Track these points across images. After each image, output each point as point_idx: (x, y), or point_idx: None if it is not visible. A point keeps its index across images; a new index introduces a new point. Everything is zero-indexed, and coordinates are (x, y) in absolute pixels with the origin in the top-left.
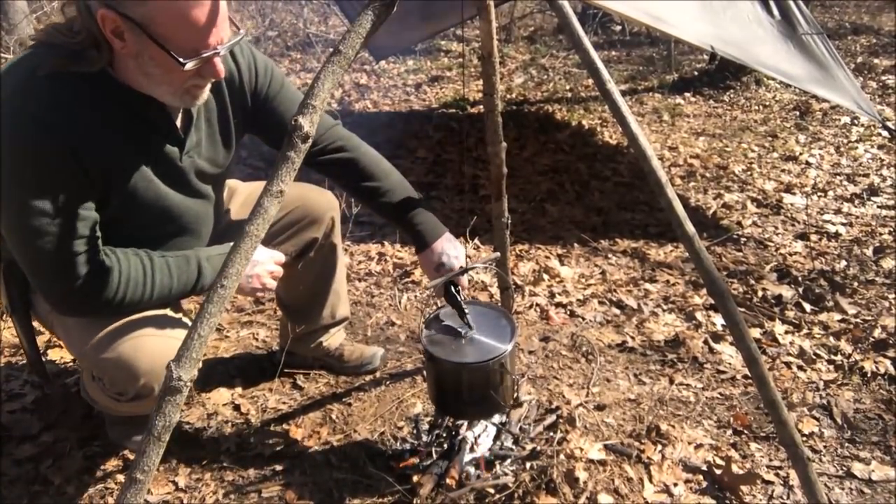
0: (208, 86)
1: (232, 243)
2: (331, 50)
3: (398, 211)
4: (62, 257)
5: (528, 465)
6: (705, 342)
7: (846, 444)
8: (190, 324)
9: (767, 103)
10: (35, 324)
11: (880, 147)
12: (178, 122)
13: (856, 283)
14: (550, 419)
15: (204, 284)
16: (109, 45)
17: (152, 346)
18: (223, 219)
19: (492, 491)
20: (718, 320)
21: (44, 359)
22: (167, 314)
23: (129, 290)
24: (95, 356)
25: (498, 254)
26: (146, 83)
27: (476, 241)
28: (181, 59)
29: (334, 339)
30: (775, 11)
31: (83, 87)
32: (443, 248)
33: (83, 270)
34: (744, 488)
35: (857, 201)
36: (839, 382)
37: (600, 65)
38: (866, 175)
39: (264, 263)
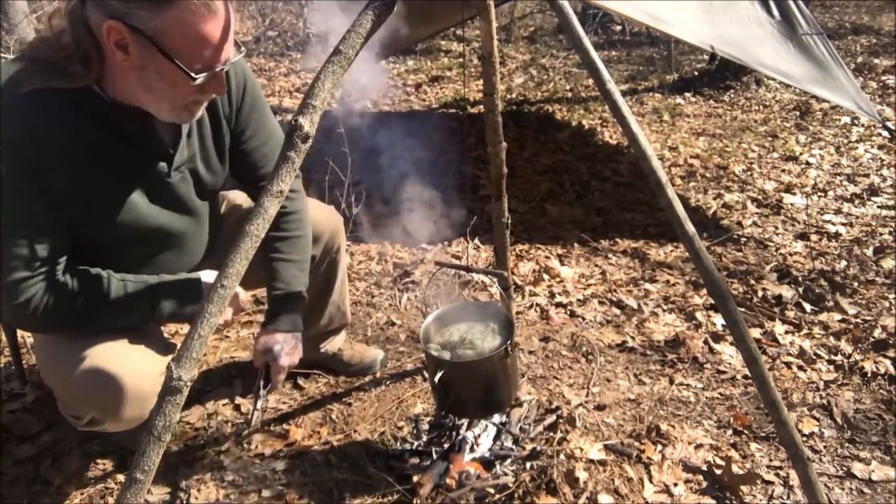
0: (206, 102)
1: (198, 273)
2: (331, 50)
3: (276, 279)
4: (15, 277)
5: (528, 465)
6: (705, 342)
7: (846, 444)
8: (161, 349)
9: (767, 103)
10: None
11: (880, 147)
12: (166, 138)
13: (856, 283)
14: (550, 419)
15: (161, 315)
16: (101, 59)
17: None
18: (221, 231)
19: (492, 491)
20: (718, 320)
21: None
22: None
23: (80, 316)
24: (55, 375)
25: (503, 272)
26: (146, 98)
27: (476, 240)
28: (192, 74)
29: (333, 344)
30: (775, 11)
31: (63, 107)
32: (283, 339)
33: (34, 292)
34: (744, 488)
35: (857, 201)
36: (839, 382)
37: (600, 65)
38: (866, 175)
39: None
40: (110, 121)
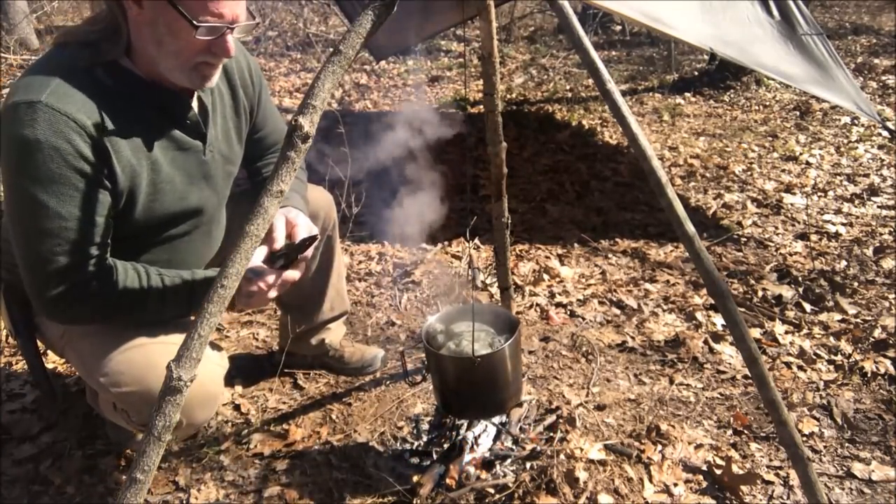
0: (219, 70)
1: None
2: (331, 50)
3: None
4: (67, 262)
5: (528, 465)
6: (705, 342)
7: (846, 444)
8: (210, 348)
9: (767, 103)
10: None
11: (880, 147)
12: (199, 115)
13: (856, 283)
14: (550, 419)
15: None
16: (125, 22)
17: None
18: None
19: (492, 491)
20: (718, 320)
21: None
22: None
23: (122, 303)
24: (117, 389)
25: (480, 300)
26: (157, 54)
27: (476, 240)
28: (194, 22)
29: (335, 334)
30: (775, 12)
31: (112, 86)
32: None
33: (83, 277)
34: (744, 488)
35: (857, 201)
36: (839, 382)
37: (600, 65)
38: (866, 175)
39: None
40: (153, 96)
